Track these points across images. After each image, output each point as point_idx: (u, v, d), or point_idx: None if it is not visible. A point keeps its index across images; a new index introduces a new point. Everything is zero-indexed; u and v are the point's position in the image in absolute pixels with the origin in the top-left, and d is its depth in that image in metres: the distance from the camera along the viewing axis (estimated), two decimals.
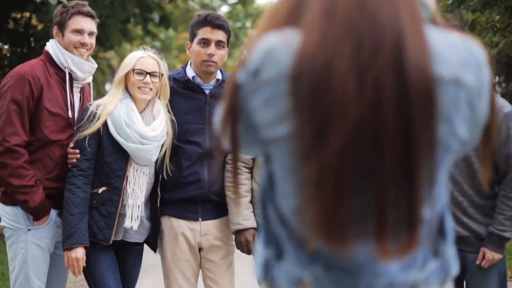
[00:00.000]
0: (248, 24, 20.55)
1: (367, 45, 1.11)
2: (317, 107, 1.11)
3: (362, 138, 1.11)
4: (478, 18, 6.83)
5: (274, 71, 1.16)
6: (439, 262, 1.28)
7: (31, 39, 8.80)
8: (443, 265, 1.28)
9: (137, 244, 3.44)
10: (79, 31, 3.32)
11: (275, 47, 1.17)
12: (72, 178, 3.21)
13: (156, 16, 9.38)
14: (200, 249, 3.50)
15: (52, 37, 3.41)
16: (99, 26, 3.47)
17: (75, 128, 3.30)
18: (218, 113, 1.32)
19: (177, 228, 3.45)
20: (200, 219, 3.47)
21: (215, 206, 3.50)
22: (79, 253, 3.16)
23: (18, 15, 9.12)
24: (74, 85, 3.38)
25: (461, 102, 1.17)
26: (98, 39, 3.46)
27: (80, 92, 3.45)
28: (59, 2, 7.73)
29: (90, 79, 3.49)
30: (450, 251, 1.30)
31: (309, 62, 1.12)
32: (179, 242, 3.45)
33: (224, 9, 20.55)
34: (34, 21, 9.05)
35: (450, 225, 1.31)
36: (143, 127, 3.24)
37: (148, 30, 9.82)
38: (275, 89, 1.16)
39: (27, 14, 9.00)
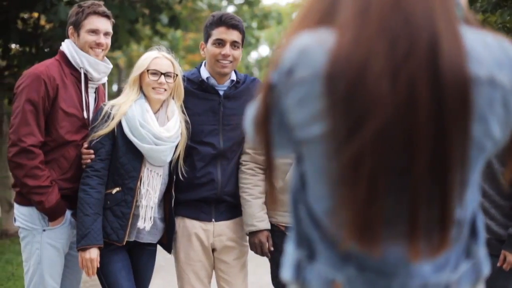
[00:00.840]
0: (254, 24, 20.53)
1: (401, 44, 1.11)
2: (351, 107, 1.11)
3: (395, 138, 1.10)
4: (488, 18, 6.81)
5: (308, 71, 1.15)
6: (471, 263, 1.27)
7: (40, 39, 8.81)
8: (475, 265, 1.28)
9: (150, 244, 3.44)
10: (95, 31, 3.31)
11: (309, 47, 1.16)
12: (87, 179, 3.21)
13: (164, 17, 9.38)
14: (213, 250, 3.50)
15: (67, 37, 3.40)
16: None
17: (89, 128, 3.30)
18: (250, 114, 1.31)
19: (191, 229, 3.45)
20: (213, 219, 3.47)
21: (229, 207, 3.49)
22: (93, 253, 3.16)
23: (26, 15, 9.12)
24: (89, 85, 3.38)
25: (496, 102, 1.16)
26: None
27: (95, 92, 3.45)
28: (69, 3, 7.74)
29: (105, 79, 3.49)
30: (482, 251, 1.29)
31: (343, 61, 1.11)
32: (192, 243, 3.44)
33: (230, 10, 20.56)
34: (42, 22, 9.05)
35: (482, 225, 1.30)
36: (158, 128, 3.23)
37: (156, 30, 9.83)
38: (309, 89, 1.15)
39: (36, 14, 9.00)
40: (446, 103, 1.11)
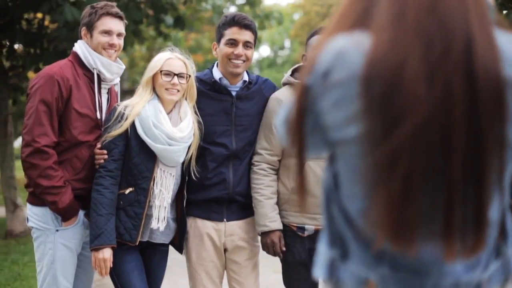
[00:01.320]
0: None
1: (437, 47, 1.12)
2: (387, 108, 1.12)
3: (430, 138, 1.12)
4: None
5: (345, 72, 1.17)
6: (501, 262, 1.29)
7: (44, 40, 8.81)
8: (505, 265, 1.29)
9: (162, 245, 3.45)
10: (108, 32, 3.32)
11: (345, 49, 1.18)
12: (100, 179, 3.22)
13: (168, 18, 9.39)
14: (225, 250, 3.51)
15: (80, 37, 3.41)
16: None
17: (102, 129, 3.32)
18: (282, 115, 1.33)
19: (202, 229, 3.46)
20: (225, 219, 3.48)
21: (240, 207, 3.50)
22: (107, 253, 3.17)
23: (31, 15, 9.12)
24: (102, 86, 3.38)
25: None
26: None
27: (107, 93, 3.46)
28: (74, 3, 7.75)
29: (117, 80, 3.50)
30: (511, 251, 1.31)
31: (380, 63, 1.13)
32: (204, 243, 3.45)
33: (232, 10, 20.56)
34: (47, 22, 9.06)
35: (511, 225, 1.32)
36: (171, 128, 3.25)
37: (160, 31, 9.84)
38: (346, 91, 1.17)
39: (39, 15, 9.01)
40: (481, 105, 1.13)
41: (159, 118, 3.23)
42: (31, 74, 9.85)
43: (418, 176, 1.13)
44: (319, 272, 1.31)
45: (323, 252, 1.31)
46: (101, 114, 3.35)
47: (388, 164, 1.12)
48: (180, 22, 9.15)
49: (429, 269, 1.22)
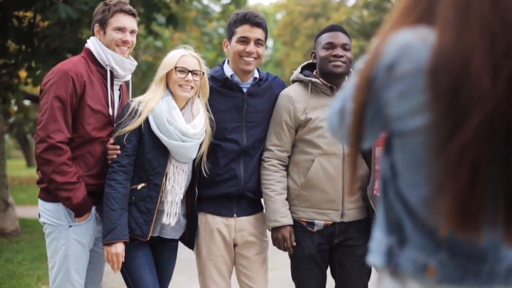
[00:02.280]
0: None
1: (500, 41, 1.18)
2: (455, 100, 1.17)
3: (496, 129, 1.17)
4: None
5: (411, 65, 1.22)
6: None
7: (35, 38, 8.76)
8: None
9: (172, 240, 3.48)
10: (121, 29, 3.34)
11: (411, 43, 1.23)
12: (113, 174, 3.24)
13: (160, 16, 9.37)
14: (234, 245, 3.54)
15: (93, 34, 3.42)
16: None
17: (115, 125, 3.33)
18: (335, 107, 1.37)
19: (213, 224, 3.49)
20: (235, 215, 3.51)
21: (250, 203, 3.55)
22: (119, 248, 3.19)
23: (21, 13, 9.05)
24: (114, 82, 3.40)
25: None
26: None
27: (119, 89, 3.48)
28: (66, 1, 7.72)
29: (129, 77, 3.52)
30: None
31: (446, 57, 1.18)
32: (214, 238, 3.49)
33: (216, 9, 20.58)
34: (38, 20, 9.00)
35: None
36: (184, 125, 3.28)
37: (151, 30, 9.83)
38: (412, 83, 1.22)
39: (29, 14, 8.94)
40: None
41: (172, 115, 3.26)
42: (22, 73, 9.78)
43: (484, 166, 1.18)
44: (376, 259, 1.35)
45: (379, 240, 1.36)
46: (113, 111, 3.37)
47: (456, 155, 1.17)
48: (173, 20, 9.15)
49: (486, 255, 1.27)
